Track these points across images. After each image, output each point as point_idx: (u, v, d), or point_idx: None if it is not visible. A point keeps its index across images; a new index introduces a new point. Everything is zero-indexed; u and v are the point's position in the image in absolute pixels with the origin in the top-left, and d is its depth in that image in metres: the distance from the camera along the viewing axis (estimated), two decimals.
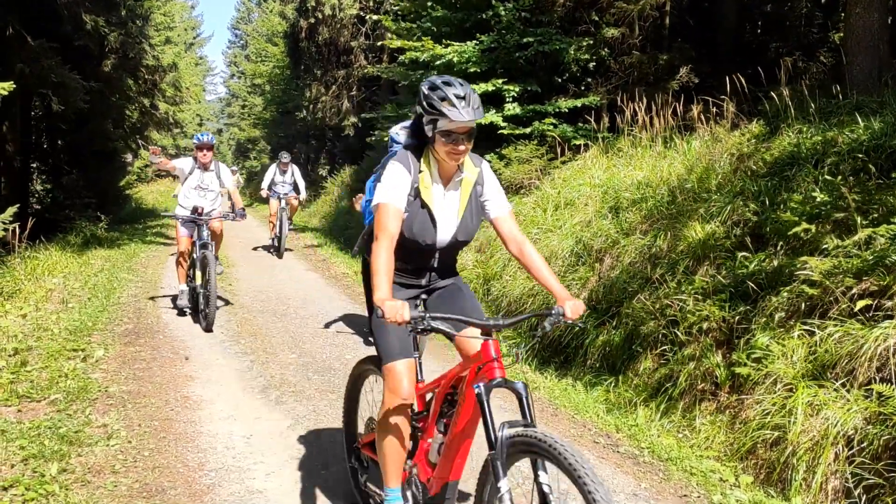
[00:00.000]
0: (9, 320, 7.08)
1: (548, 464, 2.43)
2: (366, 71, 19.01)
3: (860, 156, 5.65)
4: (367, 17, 18.97)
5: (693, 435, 5.07)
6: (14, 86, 8.03)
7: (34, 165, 18.12)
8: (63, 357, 6.02)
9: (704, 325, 5.55)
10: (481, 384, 2.63)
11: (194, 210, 7.69)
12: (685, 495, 4.09)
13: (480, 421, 2.65)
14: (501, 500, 2.45)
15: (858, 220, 5.04)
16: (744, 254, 5.73)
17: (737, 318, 5.43)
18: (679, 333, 5.71)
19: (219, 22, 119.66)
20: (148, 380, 5.64)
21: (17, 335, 6.53)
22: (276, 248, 13.64)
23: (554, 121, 10.87)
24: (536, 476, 2.47)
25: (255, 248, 14.63)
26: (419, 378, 3.13)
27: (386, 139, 12.77)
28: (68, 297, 8.58)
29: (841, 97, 7.09)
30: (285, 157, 14.05)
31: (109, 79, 16.88)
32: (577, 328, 6.74)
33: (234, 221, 7.90)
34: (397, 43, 12.24)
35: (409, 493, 3.10)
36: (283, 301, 9.14)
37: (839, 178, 5.50)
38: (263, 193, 13.76)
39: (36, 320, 7.21)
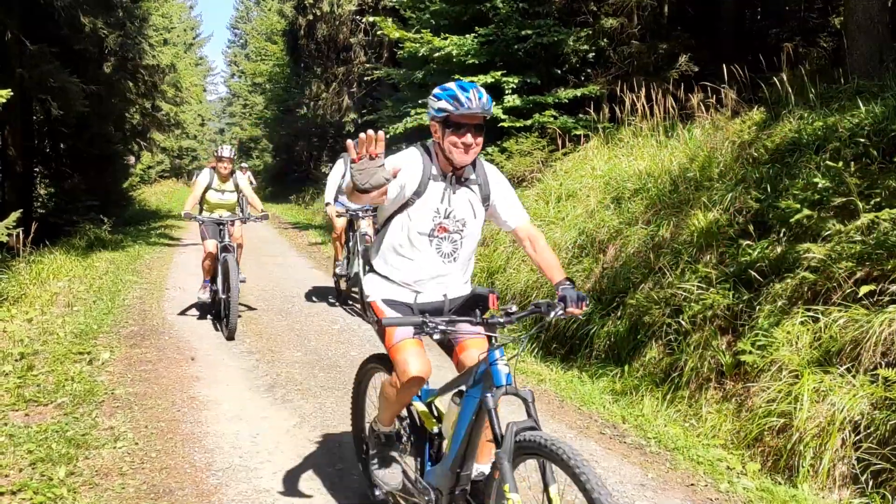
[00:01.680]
0: (15, 325, 7.11)
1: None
2: (367, 73, 18.95)
3: (862, 140, 5.62)
4: (364, 18, 18.97)
5: (699, 423, 5.07)
6: (12, 93, 8.02)
7: (37, 170, 18.16)
8: (69, 360, 6.03)
9: (709, 314, 5.55)
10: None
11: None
12: (692, 484, 4.09)
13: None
14: None
15: (860, 204, 5.02)
16: (747, 242, 5.72)
17: (741, 305, 5.42)
18: (683, 322, 5.70)
19: (218, 21, 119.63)
20: (154, 381, 5.65)
21: (24, 339, 6.56)
22: (338, 294, 9.07)
23: (554, 112, 10.86)
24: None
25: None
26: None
27: (388, 135, 12.63)
28: (73, 300, 8.60)
29: (842, 82, 7.06)
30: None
31: (109, 81, 16.89)
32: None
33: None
34: (396, 34, 12.21)
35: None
36: (287, 299, 9.15)
37: (841, 163, 5.48)
38: (330, 210, 8.42)
39: (42, 324, 7.23)
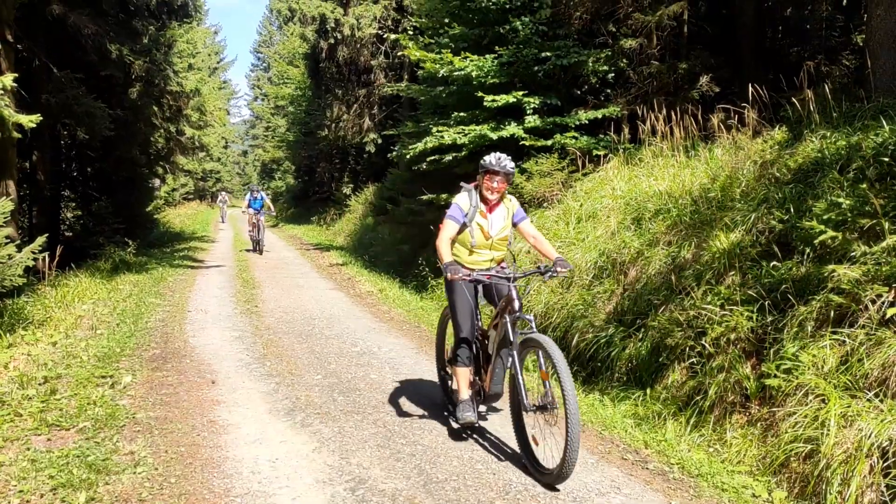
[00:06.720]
0: (39, 348, 7.19)
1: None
2: (386, 90, 19.13)
3: (886, 160, 5.54)
4: (386, 36, 19.15)
5: (724, 449, 4.98)
6: (41, 118, 8.18)
7: (64, 193, 18.48)
8: (92, 384, 6.08)
9: (732, 336, 5.46)
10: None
11: None
12: None
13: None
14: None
15: (886, 225, 4.94)
16: (771, 263, 5.64)
17: (765, 328, 5.34)
18: (707, 345, 5.62)
19: (241, 46, 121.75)
20: (175, 405, 5.67)
21: (47, 363, 6.62)
22: None
23: (575, 134, 10.85)
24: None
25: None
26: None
27: (408, 155, 12.75)
28: (97, 323, 8.68)
29: (865, 101, 6.98)
30: None
31: (135, 106, 17.20)
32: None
33: None
34: (417, 54, 12.29)
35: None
36: (308, 321, 9.17)
37: (865, 183, 5.40)
38: None
39: (66, 347, 7.30)
